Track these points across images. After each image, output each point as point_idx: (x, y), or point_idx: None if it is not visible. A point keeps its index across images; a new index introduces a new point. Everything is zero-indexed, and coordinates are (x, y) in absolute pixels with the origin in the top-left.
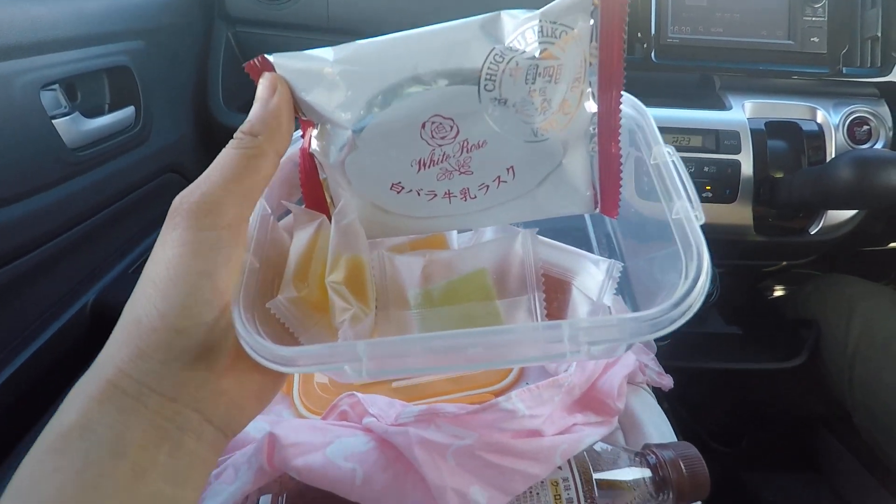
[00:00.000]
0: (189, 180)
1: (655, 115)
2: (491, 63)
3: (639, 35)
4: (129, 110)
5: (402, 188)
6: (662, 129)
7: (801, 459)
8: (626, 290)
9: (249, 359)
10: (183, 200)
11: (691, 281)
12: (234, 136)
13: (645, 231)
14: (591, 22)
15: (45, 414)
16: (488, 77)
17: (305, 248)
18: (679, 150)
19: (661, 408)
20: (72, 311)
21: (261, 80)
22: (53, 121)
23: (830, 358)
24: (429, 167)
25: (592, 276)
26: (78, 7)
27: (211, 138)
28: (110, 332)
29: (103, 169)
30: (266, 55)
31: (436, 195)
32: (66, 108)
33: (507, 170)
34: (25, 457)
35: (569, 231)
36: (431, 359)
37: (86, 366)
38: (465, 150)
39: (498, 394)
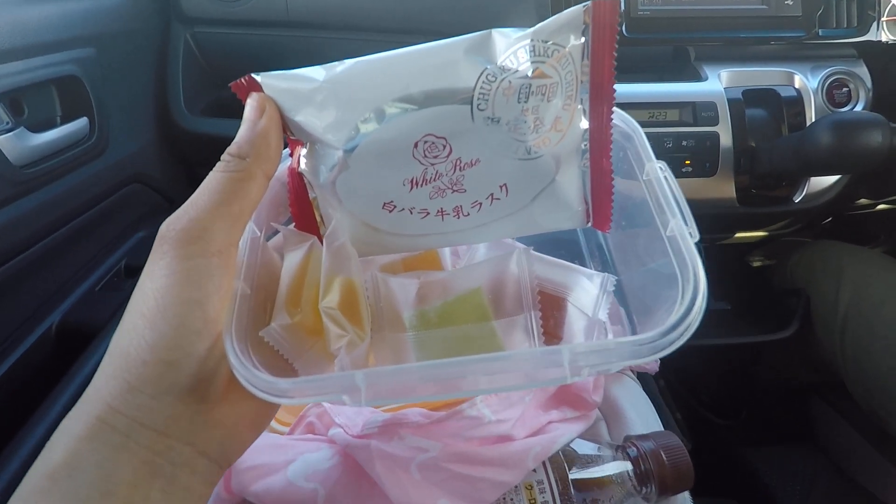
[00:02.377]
0: (155, 189)
1: (629, 90)
2: (484, 83)
3: None
4: (81, 122)
5: (395, 207)
6: (638, 105)
7: (797, 430)
8: (621, 301)
9: (243, 388)
10: (170, 227)
11: (688, 303)
12: (222, 158)
13: (636, 242)
14: (583, 40)
15: (12, 438)
16: (481, 96)
17: (297, 271)
18: (655, 124)
19: (657, 386)
20: (37, 334)
21: (248, 101)
22: None
23: (821, 326)
24: (421, 186)
25: (587, 291)
26: (15, 16)
27: (175, 144)
28: (77, 354)
29: (58, 184)
30: (253, 74)
31: (428, 213)
32: (9, 123)
33: (500, 187)
34: (11, 498)
35: (561, 242)
36: (430, 387)
37: (53, 388)
38: (457, 168)
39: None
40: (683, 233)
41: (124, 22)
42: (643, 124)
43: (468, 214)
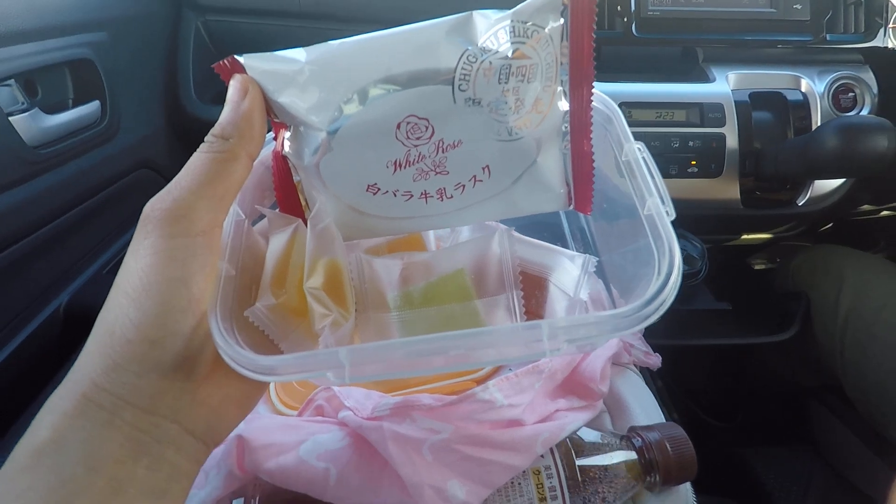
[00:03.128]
0: (163, 175)
1: (638, 90)
2: (464, 63)
3: (619, 9)
4: (93, 105)
5: (378, 189)
6: (645, 104)
7: (795, 432)
8: (602, 279)
9: (228, 367)
10: (154, 207)
11: (664, 277)
12: (205, 139)
13: (617, 224)
14: (562, 21)
15: (19, 418)
16: (462, 77)
17: (282, 253)
18: (663, 124)
19: (655, 386)
20: (45, 314)
21: (231, 82)
22: (10, 118)
23: (821, 329)
24: (404, 168)
25: (568, 272)
26: None
27: (184, 132)
28: (85, 335)
29: (69, 167)
30: (236, 56)
31: (412, 195)
32: (24, 104)
33: (483, 169)
34: None
35: (544, 224)
36: (413, 362)
37: (60, 369)
38: (440, 150)
39: (479, 381)
40: (660, 211)
41: (138, 7)
42: (650, 124)
43: (451, 197)
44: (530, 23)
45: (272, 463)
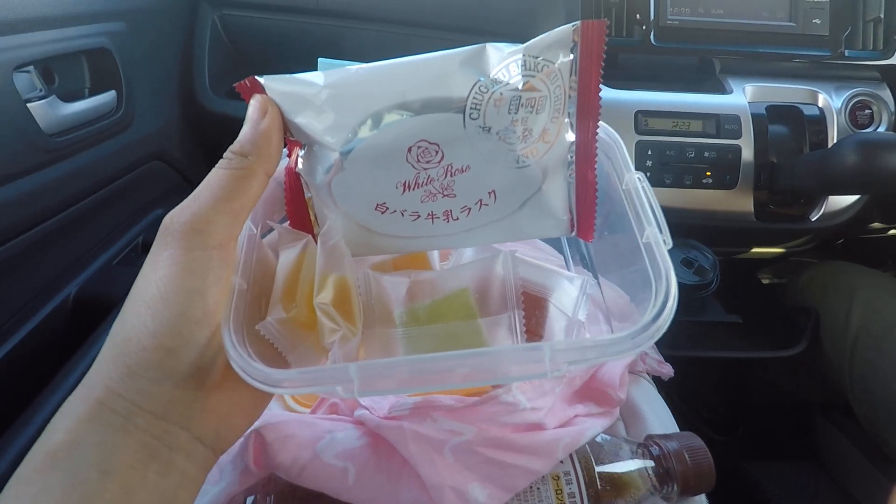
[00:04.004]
0: (175, 168)
1: (655, 99)
2: (476, 93)
3: (637, 17)
4: (109, 95)
5: (387, 209)
6: (662, 114)
7: (800, 448)
8: (600, 303)
9: (238, 378)
10: (174, 220)
11: (660, 304)
12: (224, 155)
13: (615, 248)
14: (571, 57)
15: (28, 408)
16: (473, 106)
17: (292, 268)
18: (678, 134)
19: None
20: (54, 304)
21: (251, 102)
22: (28, 104)
23: (830, 345)
24: (413, 189)
25: (567, 293)
26: None
27: (198, 125)
28: (93, 325)
29: (84, 156)
30: (256, 76)
31: (419, 216)
32: (41, 91)
33: (489, 194)
34: (11, 477)
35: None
36: (419, 379)
37: (68, 359)
38: (449, 174)
39: (497, 385)
40: (658, 240)
41: (155, 0)
42: (666, 133)
43: (457, 219)
44: (541, 57)
45: (289, 458)
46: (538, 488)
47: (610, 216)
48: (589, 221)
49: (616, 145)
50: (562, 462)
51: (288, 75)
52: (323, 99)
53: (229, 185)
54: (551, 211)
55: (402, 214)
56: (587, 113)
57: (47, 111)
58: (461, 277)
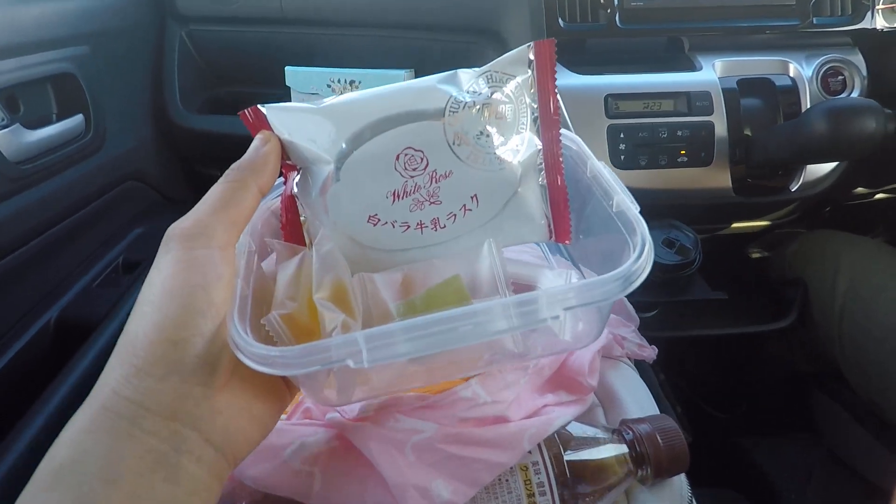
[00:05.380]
0: (152, 186)
1: (624, 81)
2: (452, 104)
3: (602, 1)
4: (77, 119)
5: (378, 220)
6: (632, 96)
7: (796, 421)
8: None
9: (246, 379)
10: (175, 227)
11: (639, 248)
12: (225, 172)
13: (594, 242)
14: (529, 73)
15: (10, 431)
16: (450, 113)
17: (291, 277)
18: (650, 115)
19: (658, 379)
20: (35, 328)
21: (257, 135)
22: None
23: (819, 315)
24: (402, 198)
25: (554, 283)
26: (10, 14)
27: (171, 142)
28: (75, 348)
29: (54, 181)
30: (259, 106)
31: (409, 226)
32: (4, 120)
33: (472, 198)
34: (18, 497)
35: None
36: (425, 343)
37: (51, 381)
38: (434, 180)
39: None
40: (627, 204)
41: (119, 20)
42: (637, 115)
43: (444, 226)
44: (504, 72)
45: (256, 468)
46: (507, 480)
47: (586, 215)
48: (564, 224)
49: (577, 145)
50: (530, 452)
51: (288, 104)
52: (318, 117)
53: (226, 196)
54: (530, 215)
55: (393, 226)
56: (548, 122)
57: (11, 140)
58: (451, 266)
